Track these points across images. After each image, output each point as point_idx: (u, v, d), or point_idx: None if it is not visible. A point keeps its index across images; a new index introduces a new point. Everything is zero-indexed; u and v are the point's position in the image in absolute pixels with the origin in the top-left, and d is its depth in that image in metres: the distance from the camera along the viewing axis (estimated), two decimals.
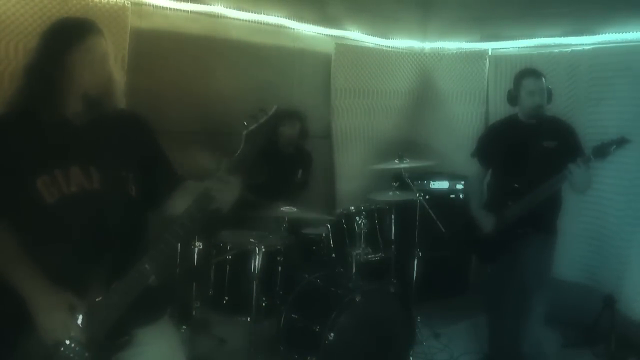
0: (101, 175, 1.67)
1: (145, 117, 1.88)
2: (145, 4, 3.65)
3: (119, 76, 1.77)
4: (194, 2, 3.84)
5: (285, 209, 3.34)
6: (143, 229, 1.78)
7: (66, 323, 1.53)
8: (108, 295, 1.59)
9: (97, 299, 1.58)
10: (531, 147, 3.06)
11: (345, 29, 4.77)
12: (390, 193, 3.76)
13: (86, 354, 1.56)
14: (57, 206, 1.60)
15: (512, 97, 3.18)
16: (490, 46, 4.82)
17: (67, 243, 1.60)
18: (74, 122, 1.68)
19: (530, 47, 4.52)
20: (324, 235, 3.55)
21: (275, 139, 3.97)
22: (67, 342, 1.55)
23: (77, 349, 1.55)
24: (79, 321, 1.55)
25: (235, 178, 1.64)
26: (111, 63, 1.72)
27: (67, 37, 1.65)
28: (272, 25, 4.29)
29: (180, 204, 1.74)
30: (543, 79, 3.08)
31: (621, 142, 2.84)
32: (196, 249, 3.30)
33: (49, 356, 1.54)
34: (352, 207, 3.57)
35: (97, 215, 1.63)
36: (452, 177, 4.64)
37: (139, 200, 1.74)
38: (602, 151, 2.84)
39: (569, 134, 3.08)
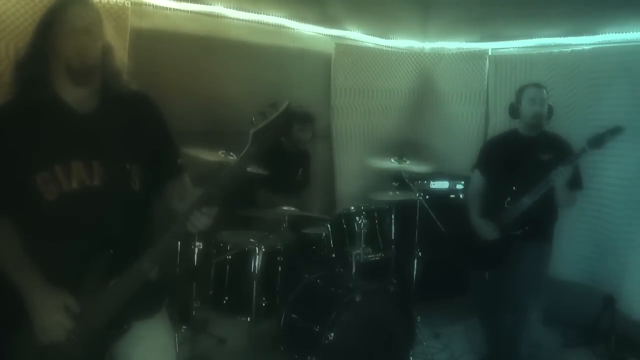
0: (103, 169, 1.61)
1: (153, 100, 1.80)
2: (145, 4, 3.65)
3: (122, 62, 1.70)
4: (194, 2, 3.84)
5: (286, 208, 3.34)
6: (145, 225, 1.74)
7: (61, 324, 1.53)
8: (106, 292, 1.58)
9: (95, 297, 1.57)
10: (531, 161, 3.08)
11: (345, 29, 4.77)
12: (390, 193, 3.76)
13: (80, 347, 1.56)
14: (57, 204, 1.57)
15: (514, 109, 3.21)
16: (490, 46, 4.82)
17: (67, 241, 1.58)
18: (76, 110, 1.62)
19: (530, 47, 4.52)
20: (324, 235, 3.55)
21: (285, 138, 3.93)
22: (62, 341, 1.55)
23: (72, 343, 1.56)
24: (75, 319, 1.55)
25: (209, 209, 1.55)
26: (105, 37, 1.63)
27: (50, 12, 1.61)
28: (272, 25, 4.29)
29: (169, 202, 1.72)
30: (544, 91, 3.15)
31: (615, 131, 2.87)
32: (196, 249, 3.30)
33: (43, 354, 1.55)
34: (352, 207, 3.57)
35: (98, 212, 1.60)
36: (452, 177, 4.63)
37: (141, 194, 1.68)
38: (597, 141, 2.87)
39: (567, 151, 3.09)
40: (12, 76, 1.62)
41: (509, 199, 3.10)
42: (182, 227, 1.57)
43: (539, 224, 3.08)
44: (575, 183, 3.04)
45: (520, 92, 3.21)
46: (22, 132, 1.57)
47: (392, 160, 3.75)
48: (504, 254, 3.10)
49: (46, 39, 1.59)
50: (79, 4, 1.62)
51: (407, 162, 3.74)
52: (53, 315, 1.53)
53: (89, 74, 1.61)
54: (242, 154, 1.52)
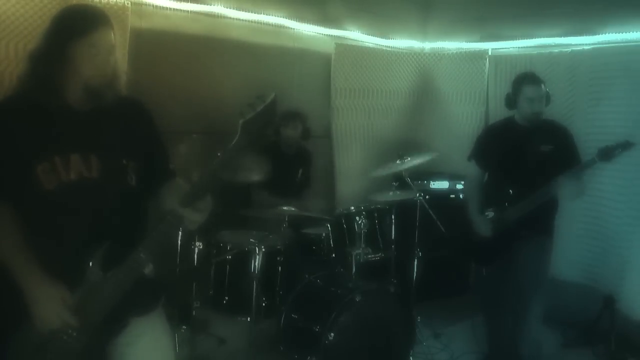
0: (101, 163, 1.66)
1: (147, 106, 1.84)
2: (145, 4, 3.65)
3: (122, 66, 1.75)
4: (194, 2, 3.84)
5: (286, 208, 3.34)
6: (141, 218, 1.78)
7: (59, 313, 1.55)
8: (104, 282, 1.59)
9: (93, 288, 1.59)
10: (528, 150, 3.07)
11: (345, 29, 4.77)
12: (390, 193, 3.76)
13: (79, 342, 1.58)
14: (56, 193, 1.61)
15: (511, 102, 3.17)
16: (490, 46, 4.82)
17: (65, 230, 1.61)
18: (76, 109, 1.67)
19: (530, 47, 4.52)
20: (324, 235, 3.55)
21: (277, 138, 3.98)
22: (61, 330, 1.56)
23: (71, 337, 1.57)
24: (73, 308, 1.56)
25: (203, 201, 1.55)
26: (116, 54, 1.70)
27: (73, 27, 1.63)
28: (272, 25, 4.29)
29: (163, 203, 1.72)
30: (542, 85, 3.07)
31: (626, 145, 2.85)
32: (196, 249, 3.29)
33: (43, 344, 1.57)
34: (352, 207, 3.57)
35: (95, 203, 1.64)
36: (452, 177, 4.64)
37: (137, 189, 1.73)
38: (607, 154, 2.86)
39: (565, 138, 3.09)
40: (22, 74, 1.65)
41: (510, 195, 3.08)
42: (178, 218, 1.58)
43: (540, 219, 3.06)
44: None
45: (517, 86, 3.11)
46: (26, 125, 1.61)
47: (397, 162, 3.74)
48: (506, 249, 3.09)
49: (67, 52, 1.61)
50: (106, 27, 1.66)
51: (408, 159, 3.73)
52: (51, 304, 1.55)
53: (104, 91, 1.66)
54: (232, 143, 1.52)
